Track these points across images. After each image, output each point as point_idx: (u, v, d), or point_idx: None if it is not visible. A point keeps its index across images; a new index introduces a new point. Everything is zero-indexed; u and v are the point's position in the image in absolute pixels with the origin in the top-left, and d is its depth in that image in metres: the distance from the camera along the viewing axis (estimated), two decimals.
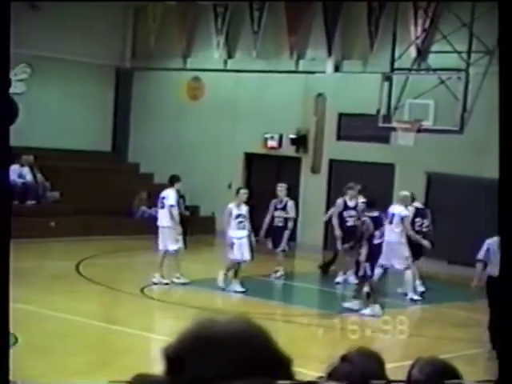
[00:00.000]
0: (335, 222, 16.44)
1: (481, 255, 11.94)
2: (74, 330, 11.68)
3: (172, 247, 15.20)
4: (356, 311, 13.71)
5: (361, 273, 13.93)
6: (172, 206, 15.25)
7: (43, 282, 14.06)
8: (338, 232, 16.33)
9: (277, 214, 16.63)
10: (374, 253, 13.62)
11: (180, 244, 15.36)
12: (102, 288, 14.96)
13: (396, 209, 15.09)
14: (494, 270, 11.39)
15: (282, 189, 16.89)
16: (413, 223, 15.39)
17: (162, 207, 15.46)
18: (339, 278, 16.57)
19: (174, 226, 15.24)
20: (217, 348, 1.43)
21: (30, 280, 13.93)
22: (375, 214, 13.80)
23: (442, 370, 3.03)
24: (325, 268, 17.28)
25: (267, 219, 16.57)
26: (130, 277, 16.00)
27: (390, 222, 14.75)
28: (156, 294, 14.59)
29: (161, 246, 15.24)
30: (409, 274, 15.09)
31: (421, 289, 15.82)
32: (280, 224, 16.55)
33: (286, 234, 16.70)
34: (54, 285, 14.46)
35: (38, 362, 9.43)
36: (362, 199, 15.65)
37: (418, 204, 15.87)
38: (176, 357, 1.46)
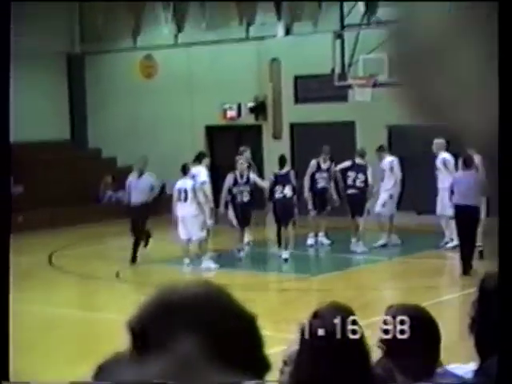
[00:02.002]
0: (306, 183, 16.45)
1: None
2: (56, 322, 11.65)
3: (208, 221, 15.27)
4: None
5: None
6: (204, 182, 15.23)
7: (17, 279, 13.94)
8: (306, 193, 16.39)
9: (241, 188, 15.41)
10: (275, 207, 15.40)
11: (212, 220, 15.48)
12: (77, 277, 14.91)
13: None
14: (459, 199, 13.16)
15: (242, 162, 15.61)
16: (346, 178, 15.95)
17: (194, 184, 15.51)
18: (311, 240, 16.65)
19: (206, 202, 15.16)
20: (177, 314, 1.44)
21: None
22: (283, 171, 15.42)
23: (414, 314, 3.07)
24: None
25: (225, 193, 15.48)
26: (103, 263, 15.95)
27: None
28: (131, 276, 14.57)
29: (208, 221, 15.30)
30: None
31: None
32: (245, 200, 15.39)
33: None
34: (29, 280, 14.37)
35: (24, 358, 9.38)
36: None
37: (358, 160, 16.08)
38: (139, 327, 1.46)
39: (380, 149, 16.76)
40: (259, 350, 1.51)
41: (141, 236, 15.71)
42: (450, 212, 15.38)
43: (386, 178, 16.26)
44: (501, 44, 1.35)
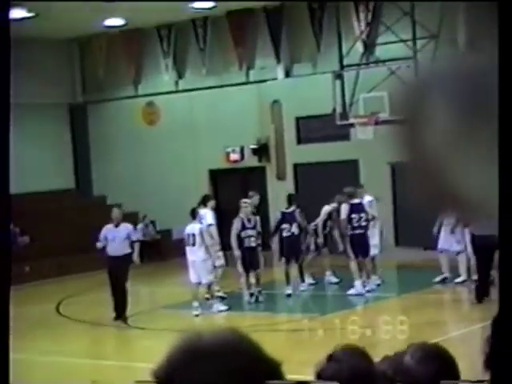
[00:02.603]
0: (320, 228, 16.32)
1: None
2: (66, 372, 11.58)
3: (217, 263, 15.21)
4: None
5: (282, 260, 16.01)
6: (210, 225, 15.25)
7: (26, 329, 13.90)
8: (320, 237, 16.43)
9: (249, 233, 15.17)
10: (284, 244, 15.84)
11: (222, 260, 15.44)
12: (86, 326, 14.85)
13: None
14: (477, 229, 13.22)
15: (246, 205, 15.39)
16: (350, 220, 15.46)
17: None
18: (310, 280, 16.60)
19: (214, 243, 15.10)
20: (205, 361, 1.45)
21: (13, 329, 13.78)
22: (290, 209, 15.88)
23: (434, 353, 3.06)
24: None
25: (234, 238, 15.22)
26: (111, 309, 15.88)
27: None
28: (142, 322, 14.52)
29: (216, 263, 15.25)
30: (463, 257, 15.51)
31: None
32: (253, 244, 15.21)
33: (259, 251, 15.61)
34: (38, 330, 14.32)
35: None
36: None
37: (352, 201, 15.72)
38: (166, 376, 1.47)
39: (360, 186, 16.70)
40: None
41: (122, 291, 14.62)
42: (457, 248, 15.37)
43: None
44: (501, 45, 1.37)
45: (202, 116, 22.62)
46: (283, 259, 15.90)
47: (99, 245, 14.53)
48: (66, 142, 25.10)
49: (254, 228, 15.31)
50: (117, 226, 14.66)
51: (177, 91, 23.51)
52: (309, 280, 16.60)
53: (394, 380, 2.94)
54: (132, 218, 23.47)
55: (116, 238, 14.47)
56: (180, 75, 23.60)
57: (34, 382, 10.69)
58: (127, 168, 24.05)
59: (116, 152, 24.33)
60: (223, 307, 14.77)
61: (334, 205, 16.30)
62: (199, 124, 22.76)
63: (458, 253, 15.54)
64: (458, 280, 15.56)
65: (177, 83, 23.58)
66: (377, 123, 17.97)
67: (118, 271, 14.39)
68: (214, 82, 22.66)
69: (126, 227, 14.79)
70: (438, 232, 15.83)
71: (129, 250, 14.61)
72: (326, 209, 16.34)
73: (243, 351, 1.49)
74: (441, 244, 15.76)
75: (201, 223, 14.91)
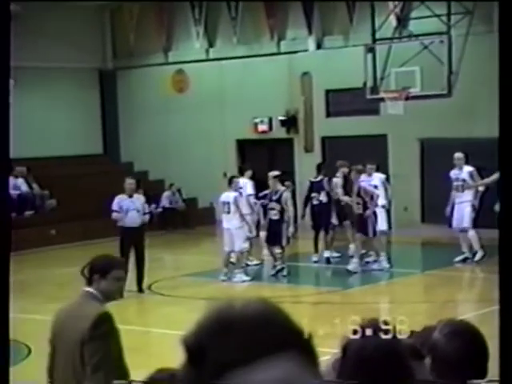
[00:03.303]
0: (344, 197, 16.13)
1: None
2: None
3: (251, 235, 15.34)
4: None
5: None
6: (250, 195, 15.62)
7: (50, 291, 14.04)
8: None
9: (272, 205, 14.93)
10: (313, 212, 16.09)
11: (254, 231, 15.47)
12: None
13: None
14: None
15: (270, 177, 15.16)
16: (371, 197, 15.27)
17: (241, 196, 15.46)
18: (327, 254, 16.42)
19: (251, 214, 15.26)
20: (237, 331, 1.43)
21: (37, 290, 13.91)
22: (318, 178, 16.18)
23: (463, 329, 3.03)
24: None
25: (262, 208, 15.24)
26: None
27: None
28: (165, 289, 14.61)
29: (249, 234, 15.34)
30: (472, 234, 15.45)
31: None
32: (274, 217, 14.89)
33: (284, 227, 15.02)
34: (62, 292, 14.43)
35: None
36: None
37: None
38: (197, 346, 1.45)
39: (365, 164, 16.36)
40: (316, 367, 1.52)
41: (142, 261, 14.22)
42: (467, 225, 15.29)
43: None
44: (501, 44, 1.34)
45: (232, 85, 22.55)
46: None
47: (118, 216, 14.23)
48: (95, 107, 25.16)
49: (277, 201, 14.95)
50: (130, 196, 14.20)
51: (207, 60, 23.45)
52: (332, 253, 16.53)
53: (421, 355, 2.92)
54: (158, 185, 23.58)
55: (133, 208, 14.06)
56: (211, 44, 23.52)
57: None
58: (155, 135, 24.08)
59: (144, 119, 24.36)
60: (246, 277, 14.82)
61: (338, 174, 16.27)
62: (228, 93, 22.70)
63: (466, 230, 15.41)
64: (477, 258, 15.43)
65: (207, 51, 23.51)
66: (407, 98, 17.81)
67: (136, 242, 13.99)
68: (245, 52, 22.56)
69: (139, 198, 14.38)
70: (451, 212, 15.68)
71: (144, 221, 14.29)
72: (337, 181, 16.21)
73: (275, 322, 1.47)
74: (454, 223, 15.65)
75: (236, 192, 14.92)
